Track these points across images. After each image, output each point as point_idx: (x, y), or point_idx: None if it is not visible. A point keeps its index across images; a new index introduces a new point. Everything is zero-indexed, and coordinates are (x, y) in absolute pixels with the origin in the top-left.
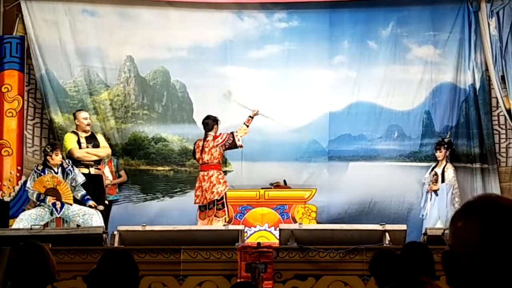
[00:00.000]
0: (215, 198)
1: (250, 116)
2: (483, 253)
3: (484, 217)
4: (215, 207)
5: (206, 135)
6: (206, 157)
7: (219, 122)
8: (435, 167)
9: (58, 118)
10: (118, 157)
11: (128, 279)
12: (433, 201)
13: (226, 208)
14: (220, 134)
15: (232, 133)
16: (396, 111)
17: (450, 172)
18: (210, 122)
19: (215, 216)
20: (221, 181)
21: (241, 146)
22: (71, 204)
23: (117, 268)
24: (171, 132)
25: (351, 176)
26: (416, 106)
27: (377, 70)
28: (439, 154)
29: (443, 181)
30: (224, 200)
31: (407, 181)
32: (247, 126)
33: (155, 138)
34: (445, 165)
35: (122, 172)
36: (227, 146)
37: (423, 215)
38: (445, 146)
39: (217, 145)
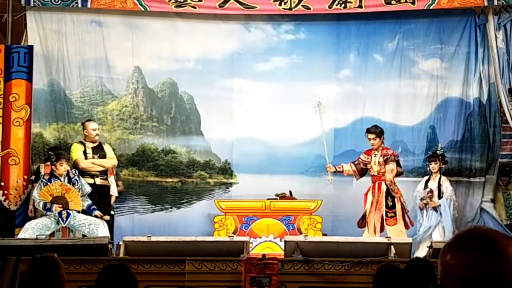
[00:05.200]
0: None
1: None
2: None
3: (472, 251)
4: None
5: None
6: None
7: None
8: (428, 180)
9: (46, 133)
10: (123, 167)
11: None
12: (429, 216)
13: (397, 217)
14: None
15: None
16: (400, 126)
17: (447, 185)
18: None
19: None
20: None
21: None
22: (79, 211)
23: (116, 282)
24: (179, 144)
25: (355, 191)
26: (421, 121)
27: (382, 84)
28: (434, 166)
29: (440, 195)
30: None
31: (411, 196)
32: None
33: (165, 150)
34: (440, 177)
35: (120, 183)
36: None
37: (418, 231)
38: (440, 157)
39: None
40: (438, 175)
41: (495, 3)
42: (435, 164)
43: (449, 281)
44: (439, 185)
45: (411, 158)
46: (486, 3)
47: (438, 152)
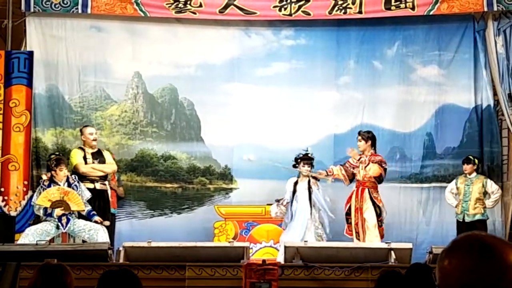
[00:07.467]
0: None
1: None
2: None
3: (469, 257)
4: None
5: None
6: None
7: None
8: (296, 183)
9: (45, 138)
10: (121, 173)
11: None
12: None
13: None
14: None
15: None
16: (398, 133)
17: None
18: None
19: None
20: None
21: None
22: (83, 211)
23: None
24: (179, 150)
25: None
26: (418, 127)
27: (381, 91)
28: (308, 169)
29: (310, 197)
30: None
31: (408, 202)
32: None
33: (164, 156)
34: (309, 180)
35: (121, 188)
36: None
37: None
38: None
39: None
40: (308, 178)
41: (495, 8)
42: (308, 167)
43: (446, 287)
44: (309, 187)
45: (409, 165)
46: (485, 9)
47: (309, 155)
